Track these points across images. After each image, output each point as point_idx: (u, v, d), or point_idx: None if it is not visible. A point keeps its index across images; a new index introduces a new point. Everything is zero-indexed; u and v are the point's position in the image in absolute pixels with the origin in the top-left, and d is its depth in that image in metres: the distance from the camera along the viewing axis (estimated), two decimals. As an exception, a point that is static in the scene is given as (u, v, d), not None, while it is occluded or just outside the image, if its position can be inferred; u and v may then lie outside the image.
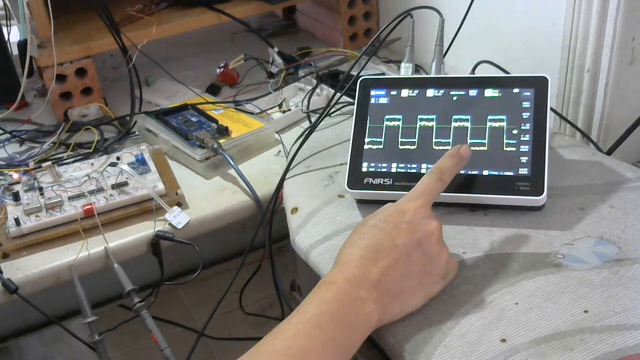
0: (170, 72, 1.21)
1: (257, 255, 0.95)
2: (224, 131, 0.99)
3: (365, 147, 0.77)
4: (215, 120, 1.02)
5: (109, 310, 1.31)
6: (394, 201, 0.63)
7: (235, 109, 1.08)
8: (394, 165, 0.75)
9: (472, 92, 0.76)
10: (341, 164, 0.85)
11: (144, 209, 0.88)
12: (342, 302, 0.56)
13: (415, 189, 0.64)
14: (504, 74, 0.90)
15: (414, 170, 0.74)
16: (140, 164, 0.94)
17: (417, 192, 0.63)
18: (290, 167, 0.87)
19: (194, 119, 1.03)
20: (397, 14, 0.89)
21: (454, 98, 0.76)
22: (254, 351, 0.53)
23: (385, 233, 0.60)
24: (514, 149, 0.72)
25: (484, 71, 0.90)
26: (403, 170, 0.74)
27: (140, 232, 0.86)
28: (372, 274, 0.58)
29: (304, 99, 1.06)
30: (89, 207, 0.86)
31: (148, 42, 1.12)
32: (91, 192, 0.88)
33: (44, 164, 0.93)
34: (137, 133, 1.07)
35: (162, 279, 0.91)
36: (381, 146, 0.76)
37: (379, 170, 0.75)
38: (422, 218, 0.61)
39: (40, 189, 0.90)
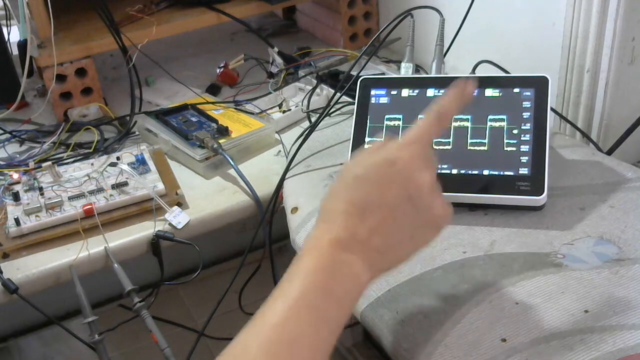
0: (170, 72, 1.21)
1: (257, 255, 0.95)
2: (224, 131, 0.99)
3: (366, 146, 0.77)
4: (215, 120, 1.02)
5: (109, 310, 1.31)
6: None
7: (235, 109, 1.08)
8: (394, 165, 0.75)
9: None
10: (341, 164, 0.85)
11: (144, 209, 0.88)
12: (330, 270, 0.51)
13: (410, 132, 0.56)
14: (504, 74, 0.90)
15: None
16: (140, 164, 0.94)
17: (410, 137, 0.56)
18: (290, 167, 0.87)
19: (194, 119, 1.03)
20: (397, 14, 0.89)
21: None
22: (239, 344, 0.48)
23: (373, 186, 0.53)
24: (514, 148, 0.72)
25: (484, 71, 0.90)
26: (403, 170, 0.74)
27: (140, 232, 0.86)
28: (359, 233, 0.52)
29: (304, 99, 1.06)
30: (89, 207, 0.86)
31: (148, 42, 1.11)
32: (91, 192, 0.88)
33: (44, 164, 0.93)
34: (137, 133, 1.07)
35: (162, 279, 0.91)
36: (381, 146, 0.76)
37: (379, 170, 0.75)
38: (414, 169, 0.54)
39: (40, 189, 0.90)
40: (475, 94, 0.76)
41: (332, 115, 0.97)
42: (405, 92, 0.78)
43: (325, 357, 0.49)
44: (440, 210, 0.55)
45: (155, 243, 0.86)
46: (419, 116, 0.76)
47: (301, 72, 1.14)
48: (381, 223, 0.53)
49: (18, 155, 1.04)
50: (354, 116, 0.79)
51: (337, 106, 0.97)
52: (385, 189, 0.53)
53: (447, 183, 0.72)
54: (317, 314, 0.49)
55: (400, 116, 0.77)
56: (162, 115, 1.04)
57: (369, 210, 0.53)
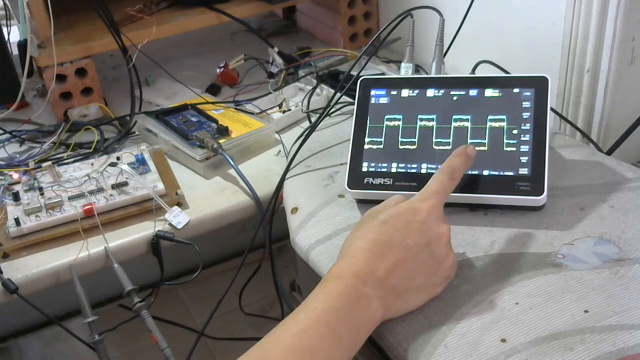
0: (170, 72, 1.21)
1: (257, 255, 0.95)
2: (224, 131, 0.99)
3: (366, 147, 0.77)
4: (215, 120, 1.02)
5: (109, 310, 1.31)
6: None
7: (235, 109, 1.08)
8: (394, 165, 0.75)
9: (473, 92, 0.76)
10: (341, 164, 0.85)
11: (144, 209, 0.88)
12: (350, 298, 0.55)
13: (428, 187, 0.63)
14: (504, 74, 0.90)
15: (414, 170, 0.74)
16: (140, 164, 0.94)
17: (430, 191, 0.63)
18: (290, 167, 0.87)
19: (194, 119, 1.03)
20: (397, 14, 0.89)
21: (454, 98, 0.76)
22: (260, 347, 0.53)
23: (397, 230, 0.59)
24: (514, 149, 0.72)
25: (484, 71, 0.90)
26: (403, 170, 0.74)
27: (140, 232, 0.86)
28: (379, 271, 0.57)
29: (304, 99, 1.06)
30: (89, 207, 0.86)
31: (148, 42, 1.12)
32: (91, 192, 0.88)
33: (44, 164, 0.93)
34: (137, 133, 1.07)
35: (162, 279, 0.91)
36: (381, 146, 0.76)
37: (379, 170, 0.75)
38: (435, 219, 0.61)
39: (40, 189, 0.90)
40: (475, 94, 0.76)
41: (332, 115, 0.97)
42: (405, 92, 0.78)
43: None
44: (452, 263, 0.62)
45: (155, 243, 0.86)
46: (419, 116, 0.76)
47: (301, 72, 1.14)
48: (400, 263, 0.58)
49: (18, 155, 1.04)
50: (354, 116, 0.79)
51: (337, 106, 0.97)
52: (406, 234, 0.59)
53: (447, 183, 0.73)
54: (333, 333, 0.53)
55: (400, 116, 0.77)
56: (162, 115, 1.04)
57: (390, 251, 0.58)
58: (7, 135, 1.08)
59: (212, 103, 1.10)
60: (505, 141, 0.73)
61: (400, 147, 0.76)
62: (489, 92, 0.75)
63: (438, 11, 0.90)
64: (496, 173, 0.72)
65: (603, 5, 0.85)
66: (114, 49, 1.11)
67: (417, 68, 1.04)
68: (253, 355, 0.52)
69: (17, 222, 0.84)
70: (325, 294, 0.56)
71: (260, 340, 0.53)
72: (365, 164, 0.76)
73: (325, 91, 1.08)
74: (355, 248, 0.59)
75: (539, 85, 0.74)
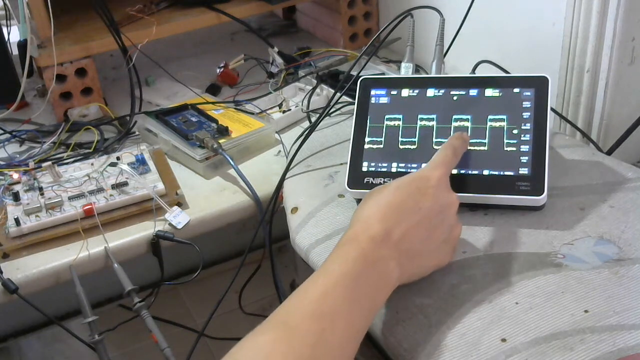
0: (170, 72, 1.21)
1: (257, 255, 0.95)
2: (224, 131, 0.99)
3: (366, 146, 0.77)
4: (215, 120, 1.02)
5: (109, 310, 1.31)
6: None
7: (235, 109, 1.08)
8: (394, 165, 0.75)
9: (473, 92, 0.76)
10: (341, 164, 0.85)
11: (144, 209, 0.88)
12: (367, 261, 0.56)
13: (435, 159, 0.65)
14: (504, 74, 0.90)
15: (414, 170, 0.74)
16: (140, 164, 0.94)
17: (437, 161, 0.65)
18: (290, 167, 0.87)
19: (194, 119, 1.03)
20: (397, 14, 0.89)
21: (455, 98, 0.76)
22: (281, 312, 0.53)
23: (409, 195, 0.60)
24: (514, 148, 0.72)
25: (485, 71, 0.90)
26: (403, 170, 0.74)
27: (140, 232, 0.86)
28: (394, 233, 0.58)
29: (304, 99, 1.06)
30: (89, 207, 0.86)
31: (148, 42, 1.12)
32: (91, 192, 0.88)
33: (44, 164, 0.93)
34: (137, 133, 1.07)
35: (162, 279, 0.91)
36: (381, 146, 0.76)
37: (379, 169, 0.75)
38: (445, 187, 0.63)
39: (40, 189, 0.90)
40: (475, 94, 0.76)
41: (332, 115, 0.97)
42: (405, 92, 0.78)
43: (357, 337, 0.54)
44: (459, 234, 0.64)
45: (155, 243, 0.86)
46: (419, 116, 0.76)
47: (301, 72, 1.14)
48: (414, 227, 0.59)
49: (18, 155, 1.04)
50: (354, 116, 0.79)
51: (337, 106, 0.97)
52: (419, 199, 0.60)
53: (447, 183, 0.73)
54: (352, 296, 0.54)
55: (400, 116, 0.77)
56: (162, 115, 1.04)
57: (404, 214, 0.59)
58: (7, 135, 1.08)
59: (212, 103, 1.10)
60: (505, 141, 0.73)
61: (401, 147, 0.76)
62: (489, 92, 0.75)
63: (438, 11, 0.90)
64: (496, 173, 0.72)
65: (603, 5, 0.85)
66: (114, 49, 1.11)
67: (417, 68, 1.04)
68: (275, 321, 0.52)
69: (17, 222, 0.84)
70: (342, 257, 0.56)
71: (280, 305, 0.53)
72: (365, 164, 0.76)
73: (325, 91, 1.08)
74: (368, 213, 0.59)
75: (539, 85, 0.74)
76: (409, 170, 0.74)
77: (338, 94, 0.92)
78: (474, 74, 0.91)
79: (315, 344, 0.50)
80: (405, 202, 0.60)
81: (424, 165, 0.73)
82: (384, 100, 0.78)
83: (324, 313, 0.52)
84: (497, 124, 0.74)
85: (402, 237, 0.58)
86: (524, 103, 0.74)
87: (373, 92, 0.79)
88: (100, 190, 0.89)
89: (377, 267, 0.56)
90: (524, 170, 0.71)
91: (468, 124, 0.74)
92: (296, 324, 0.51)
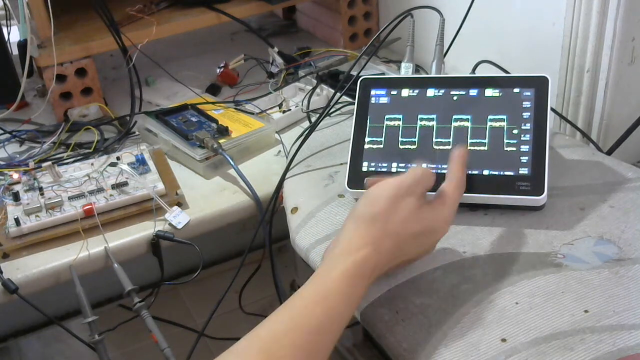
0: (170, 72, 1.21)
1: (257, 255, 0.95)
2: (224, 131, 0.99)
3: (366, 146, 0.77)
4: (215, 120, 1.02)
5: (109, 310, 1.31)
6: None
7: (235, 109, 1.08)
8: (394, 164, 0.75)
9: (473, 92, 0.76)
10: (341, 164, 0.85)
11: (144, 209, 0.88)
12: (363, 298, 0.58)
13: (451, 205, 0.64)
14: (504, 74, 0.90)
15: (414, 170, 0.74)
16: (140, 164, 0.94)
17: (452, 211, 0.64)
18: (290, 167, 0.87)
19: (194, 119, 1.03)
20: (397, 14, 0.89)
21: (455, 98, 0.76)
22: (268, 335, 0.53)
23: (417, 247, 0.62)
24: (514, 148, 0.72)
25: (485, 71, 0.90)
26: (403, 170, 0.74)
27: (140, 232, 0.86)
28: (384, 268, 0.60)
29: (304, 99, 1.06)
30: (89, 207, 0.86)
31: (148, 42, 1.11)
32: (91, 192, 0.88)
33: (44, 164, 0.93)
34: (137, 133, 1.07)
35: (162, 279, 0.91)
36: (381, 146, 0.76)
37: (379, 169, 0.75)
38: (444, 233, 0.64)
39: (40, 189, 0.89)
40: (475, 94, 0.76)
41: (332, 115, 0.97)
42: (405, 92, 0.78)
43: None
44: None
45: (155, 243, 0.86)
46: (419, 116, 0.76)
47: (301, 72, 1.14)
48: (399, 265, 0.63)
49: (18, 155, 1.04)
50: (354, 116, 0.79)
51: (337, 106, 0.97)
52: (421, 249, 0.63)
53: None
54: (339, 326, 0.56)
55: (400, 116, 0.77)
56: (162, 115, 1.04)
57: (403, 257, 0.62)
58: (7, 135, 1.08)
59: (212, 103, 1.10)
60: (505, 141, 0.73)
61: (401, 146, 0.76)
62: (489, 92, 0.75)
63: (438, 11, 0.90)
64: (496, 173, 0.72)
65: (603, 5, 0.85)
66: (114, 49, 1.11)
67: (417, 68, 1.04)
68: (259, 347, 0.52)
69: (17, 222, 0.84)
70: (349, 296, 0.57)
71: (266, 323, 0.54)
72: (365, 164, 0.76)
73: (325, 91, 1.08)
74: (386, 240, 0.59)
75: (539, 85, 0.74)
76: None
77: (338, 94, 0.92)
78: (474, 74, 0.91)
79: None
80: (402, 249, 0.61)
81: (423, 166, 0.73)
82: (384, 100, 0.78)
83: (311, 351, 0.52)
84: (497, 124, 0.74)
85: (386, 264, 0.60)
86: (524, 103, 0.74)
87: (373, 92, 0.79)
88: (100, 190, 0.89)
89: (362, 288, 0.58)
90: (524, 170, 0.71)
91: (468, 124, 0.74)
92: (280, 356, 0.51)
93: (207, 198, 0.92)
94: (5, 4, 1.08)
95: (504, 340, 0.57)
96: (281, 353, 0.51)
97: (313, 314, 0.54)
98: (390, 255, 0.60)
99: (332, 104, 0.91)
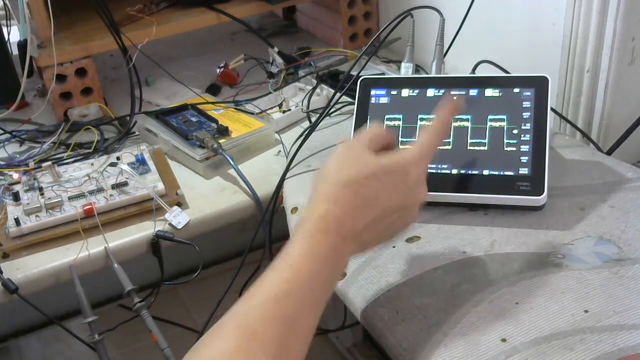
0: (170, 72, 1.21)
1: (257, 255, 0.95)
2: (224, 131, 0.99)
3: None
4: (215, 120, 1.02)
5: (109, 310, 1.31)
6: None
7: (235, 109, 1.08)
8: (394, 165, 0.75)
9: (473, 92, 0.76)
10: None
11: (144, 209, 0.88)
12: (334, 260, 0.55)
13: (421, 145, 0.61)
14: (504, 74, 0.90)
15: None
16: (140, 164, 0.94)
17: (423, 151, 0.61)
18: (290, 167, 0.87)
19: (194, 119, 1.03)
20: (397, 14, 0.89)
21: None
22: (241, 310, 0.51)
23: (384, 189, 0.57)
24: (514, 148, 0.72)
25: (485, 71, 0.90)
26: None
27: (140, 232, 0.86)
28: (358, 226, 0.56)
29: (304, 99, 1.06)
30: (89, 207, 0.85)
31: (148, 42, 1.11)
32: (91, 192, 0.88)
33: (44, 164, 0.93)
34: (137, 133, 1.07)
35: (162, 279, 0.91)
36: (381, 146, 0.76)
37: (379, 170, 0.75)
38: (420, 182, 0.60)
39: (40, 189, 0.89)
40: (475, 94, 0.76)
41: (332, 115, 0.97)
42: (405, 92, 0.78)
43: (314, 329, 0.52)
44: (415, 215, 0.61)
45: (155, 243, 0.86)
46: (419, 116, 0.76)
47: (301, 72, 1.14)
48: (375, 222, 0.57)
49: (18, 155, 1.04)
50: (354, 116, 0.79)
51: (337, 106, 0.97)
52: (392, 195, 0.58)
53: (447, 183, 0.73)
54: (314, 297, 0.53)
55: (400, 116, 0.77)
56: (162, 115, 1.04)
57: (372, 207, 0.57)
58: (7, 135, 1.08)
59: (212, 103, 1.10)
60: (505, 141, 0.73)
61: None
62: (489, 92, 0.75)
63: (438, 11, 0.90)
64: (496, 173, 0.72)
65: (603, 5, 0.85)
66: (114, 49, 1.11)
67: (417, 68, 1.04)
68: (234, 324, 0.50)
69: (17, 222, 0.84)
70: (311, 253, 0.54)
71: (240, 301, 0.51)
72: (365, 164, 0.76)
73: (325, 91, 1.08)
74: (341, 192, 0.57)
75: (539, 85, 0.74)
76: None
77: (338, 94, 0.92)
78: (474, 74, 0.91)
79: (277, 354, 0.48)
80: (377, 195, 0.57)
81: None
82: (384, 100, 0.78)
83: (286, 317, 0.50)
84: (497, 124, 0.74)
85: (363, 230, 0.56)
86: (524, 103, 0.74)
87: (373, 92, 0.79)
88: (100, 190, 0.89)
89: (339, 263, 0.56)
90: (524, 170, 0.71)
91: (468, 124, 0.74)
92: (256, 329, 0.49)
93: (207, 198, 0.92)
94: (5, 4, 1.08)
95: (504, 340, 0.57)
96: (257, 325, 0.49)
97: (282, 279, 0.52)
98: (352, 207, 0.56)
99: (332, 104, 0.91)
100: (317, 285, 0.53)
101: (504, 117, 0.74)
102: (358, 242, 0.57)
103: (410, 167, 0.59)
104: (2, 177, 0.94)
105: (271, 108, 1.08)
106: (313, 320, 0.52)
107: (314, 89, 1.07)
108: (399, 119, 0.77)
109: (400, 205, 0.58)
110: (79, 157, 1.01)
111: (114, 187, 0.89)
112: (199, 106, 1.07)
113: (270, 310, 0.50)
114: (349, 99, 0.98)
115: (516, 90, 0.74)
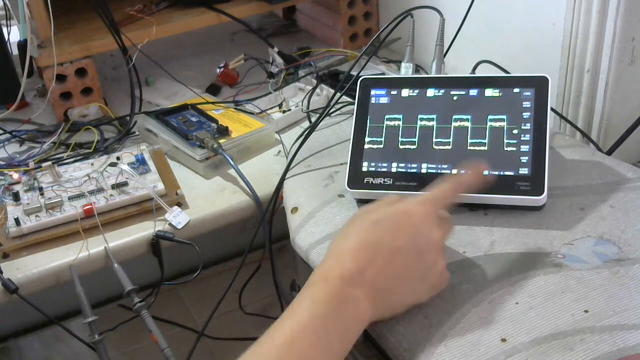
0: (170, 72, 1.21)
1: (257, 255, 0.95)
2: (224, 131, 0.99)
3: (366, 146, 0.77)
4: (215, 120, 1.02)
5: (109, 310, 1.31)
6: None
7: (235, 109, 1.08)
8: (394, 165, 0.75)
9: (473, 92, 0.76)
10: (341, 164, 0.85)
11: (144, 209, 0.88)
12: (337, 302, 0.54)
13: (428, 193, 0.62)
14: (504, 74, 0.90)
15: (414, 170, 0.74)
16: (140, 164, 0.94)
17: (428, 196, 0.61)
18: (290, 167, 0.87)
19: (194, 119, 1.03)
20: (397, 14, 0.89)
21: (455, 98, 0.76)
22: (249, 358, 0.50)
23: (387, 232, 0.58)
24: (514, 148, 0.72)
25: (485, 71, 0.90)
26: (403, 170, 0.74)
27: (140, 232, 0.86)
28: (368, 272, 0.55)
29: (304, 99, 1.06)
30: (89, 207, 0.86)
31: (148, 42, 1.12)
32: (91, 192, 0.88)
33: (44, 164, 0.93)
34: (137, 133, 1.07)
35: (162, 279, 0.91)
36: (381, 146, 0.76)
37: (379, 170, 0.75)
38: (428, 225, 0.59)
39: (40, 189, 0.90)
40: (475, 94, 0.76)
41: (332, 115, 0.97)
42: (405, 92, 0.78)
43: None
44: (442, 271, 0.60)
45: (155, 243, 0.86)
46: (419, 116, 0.76)
47: (301, 72, 1.14)
48: (387, 266, 0.57)
49: (18, 155, 1.04)
50: (354, 116, 0.79)
51: (337, 106, 0.97)
52: (397, 235, 0.58)
53: (447, 183, 0.72)
54: (322, 340, 0.52)
55: (400, 116, 0.77)
56: (162, 115, 1.04)
57: (378, 251, 0.57)
58: (7, 135, 1.08)
59: (212, 103, 1.10)
60: (505, 141, 0.73)
61: (401, 147, 0.76)
62: (489, 92, 0.75)
63: (438, 11, 0.90)
64: (496, 173, 0.72)
65: (603, 5, 0.85)
66: (114, 49, 1.11)
67: (417, 68, 1.04)
68: None
69: (17, 222, 0.84)
70: (311, 299, 0.54)
71: (249, 349, 0.51)
72: (365, 164, 0.76)
73: (325, 91, 1.08)
74: (343, 247, 0.57)
75: (539, 85, 0.74)
76: (409, 170, 0.74)
77: (338, 94, 0.92)
78: (474, 74, 0.91)
79: None
80: (381, 239, 0.57)
81: (423, 165, 0.73)
82: (384, 100, 0.78)
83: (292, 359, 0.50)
84: (497, 124, 0.74)
85: (375, 276, 0.56)
86: (524, 103, 0.74)
87: (373, 92, 0.79)
88: (100, 190, 0.89)
89: (348, 307, 0.54)
90: (524, 170, 0.71)
91: (468, 124, 0.74)
92: None
93: (207, 198, 0.92)
94: (5, 4, 1.08)
95: (504, 340, 0.57)
96: None
97: (285, 328, 0.52)
98: (354, 254, 0.56)
99: (332, 104, 0.91)
100: (322, 328, 0.52)
101: (504, 117, 0.74)
102: (374, 289, 0.55)
103: (411, 208, 0.59)
104: (2, 177, 0.94)
105: (271, 108, 1.08)
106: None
107: (314, 89, 1.07)
108: (399, 119, 0.77)
109: (410, 245, 0.58)
110: (79, 157, 1.01)
111: (114, 187, 0.89)
112: (199, 106, 1.07)
113: (275, 356, 0.50)
114: (349, 99, 0.98)
115: (516, 90, 0.74)
